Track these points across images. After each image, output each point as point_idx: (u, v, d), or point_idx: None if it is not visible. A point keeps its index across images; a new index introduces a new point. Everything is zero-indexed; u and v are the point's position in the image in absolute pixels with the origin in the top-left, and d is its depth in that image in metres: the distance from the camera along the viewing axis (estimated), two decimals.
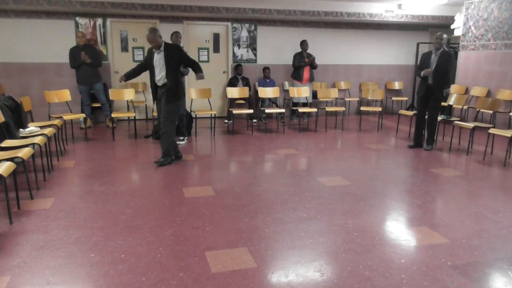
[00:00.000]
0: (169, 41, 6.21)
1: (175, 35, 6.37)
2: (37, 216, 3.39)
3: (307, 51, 8.12)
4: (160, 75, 4.83)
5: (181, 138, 6.44)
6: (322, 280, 2.47)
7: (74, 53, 7.07)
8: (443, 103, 8.18)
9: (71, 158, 5.32)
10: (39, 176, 4.34)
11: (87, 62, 6.98)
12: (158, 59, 4.81)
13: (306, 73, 8.12)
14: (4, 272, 2.52)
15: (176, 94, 4.88)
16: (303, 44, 8.04)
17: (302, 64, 8.02)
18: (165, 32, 7.21)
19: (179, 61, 4.90)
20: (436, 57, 5.67)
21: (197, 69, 4.97)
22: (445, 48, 5.74)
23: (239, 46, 8.69)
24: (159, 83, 4.87)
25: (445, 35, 5.69)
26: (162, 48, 4.78)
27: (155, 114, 6.94)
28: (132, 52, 8.10)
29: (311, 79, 8.21)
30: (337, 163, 5.23)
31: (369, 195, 4.02)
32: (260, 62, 8.83)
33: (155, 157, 5.47)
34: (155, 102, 5.05)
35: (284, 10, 8.04)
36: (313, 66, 8.15)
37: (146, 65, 5.00)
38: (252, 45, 8.76)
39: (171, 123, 4.92)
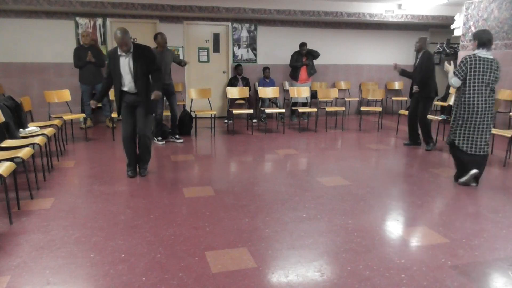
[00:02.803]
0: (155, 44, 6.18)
1: (162, 37, 6.02)
2: (37, 216, 3.39)
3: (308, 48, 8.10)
4: (131, 82, 4.26)
5: (177, 137, 6.44)
6: (322, 280, 2.47)
7: (79, 52, 7.08)
8: (443, 103, 8.19)
9: (71, 158, 5.31)
10: (39, 176, 4.33)
11: (92, 62, 7.01)
12: (127, 63, 4.21)
13: (303, 73, 8.12)
14: (4, 272, 2.52)
15: (153, 102, 4.42)
16: (302, 47, 8.02)
17: (299, 65, 8.02)
18: (165, 32, 7.21)
19: (147, 64, 4.28)
20: (418, 59, 5.91)
21: (156, 83, 4.35)
22: (427, 49, 5.93)
23: (239, 46, 8.69)
24: (132, 90, 4.29)
25: (427, 38, 5.94)
26: (131, 51, 4.20)
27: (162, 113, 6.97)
28: None
29: (309, 75, 8.18)
30: (337, 163, 5.23)
31: (369, 195, 4.02)
32: (260, 62, 8.83)
33: (154, 157, 5.47)
34: (109, 112, 4.39)
35: (284, 10, 8.04)
36: (313, 56, 8.11)
37: (112, 73, 4.33)
38: (252, 45, 8.76)
39: (149, 130, 4.51)
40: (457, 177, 4.39)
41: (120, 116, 4.45)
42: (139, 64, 4.21)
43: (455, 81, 4.14)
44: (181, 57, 8.07)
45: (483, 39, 4.07)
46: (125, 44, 4.10)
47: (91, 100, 4.55)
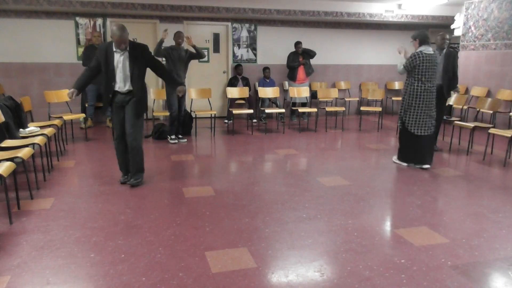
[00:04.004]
0: (172, 42, 6.22)
1: (177, 35, 6.17)
2: (37, 216, 3.39)
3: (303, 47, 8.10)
4: (124, 81, 4.02)
5: (180, 136, 6.45)
6: (322, 280, 2.47)
7: (88, 52, 7.07)
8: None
9: (71, 158, 5.31)
10: (39, 176, 4.33)
11: None
12: (122, 61, 3.97)
13: (301, 72, 8.11)
14: (4, 272, 2.52)
15: (145, 103, 4.19)
16: (297, 46, 8.03)
17: (295, 65, 8.02)
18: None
19: (146, 64, 4.10)
20: (442, 57, 5.51)
21: (170, 78, 4.25)
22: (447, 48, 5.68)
23: (239, 46, 8.69)
24: (122, 89, 4.04)
25: (447, 35, 5.66)
26: (127, 49, 3.98)
27: (156, 114, 6.96)
28: None
29: (307, 75, 8.17)
30: (337, 163, 5.23)
31: (369, 195, 4.02)
32: (260, 62, 8.83)
33: (154, 157, 5.48)
34: (110, 112, 4.12)
35: (284, 10, 8.04)
36: (309, 55, 8.10)
37: (99, 67, 4.06)
38: (252, 45, 8.76)
39: (141, 135, 4.23)
40: (403, 158, 5.14)
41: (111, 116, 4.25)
42: (136, 65, 3.99)
43: (402, 70, 4.95)
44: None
45: (422, 38, 4.82)
46: (123, 42, 3.87)
47: (70, 90, 4.06)
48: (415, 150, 4.96)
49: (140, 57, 4.03)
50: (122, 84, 4.03)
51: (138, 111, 4.09)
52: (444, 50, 5.56)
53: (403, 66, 4.87)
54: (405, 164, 5.11)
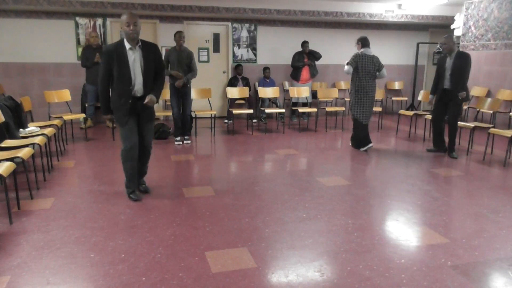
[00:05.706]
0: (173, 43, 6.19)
1: (178, 35, 6.02)
2: (37, 216, 3.39)
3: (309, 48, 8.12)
4: (141, 83, 3.56)
5: (186, 137, 6.44)
6: (322, 280, 2.47)
7: (87, 53, 7.07)
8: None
9: (71, 158, 5.31)
10: (39, 176, 4.33)
11: (99, 63, 7.01)
12: (138, 60, 3.53)
13: (305, 73, 8.11)
14: (4, 272, 2.52)
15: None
16: (304, 45, 8.04)
17: (300, 65, 8.02)
18: (165, 32, 7.21)
19: (156, 63, 3.67)
20: (452, 60, 5.34)
21: (158, 85, 3.69)
22: (460, 49, 5.47)
23: (239, 46, 8.69)
24: (139, 94, 3.58)
25: (454, 36, 5.55)
26: (139, 44, 3.56)
27: (156, 114, 6.95)
28: None
29: (312, 76, 8.19)
30: (337, 163, 5.23)
31: (369, 195, 4.02)
32: (260, 62, 8.83)
33: (155, 157, 5.47)
34: (126, 122, 3.58)
35: (284, 10, 8.04)
36: (315, 57, 8.12)
37: (111, 71, 3.50)
38: (252, 45, 8.76)
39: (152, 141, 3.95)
40: (355, 145, 6.01)
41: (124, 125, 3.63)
42: (148, 64, 3.57)
43: (348, 69, 5.66)
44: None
45: (364, 42, 5.71)
46: (136, 31, 3.45)
47: (108, 115, 3.69)
48: (363, 135, 5.85)
49: (152, 55, 3.62)
50: (139, 87, 3.57)
51: (153, 116, 3.85)
52: (455, 52, 5.35)
53: (348, 64, 5.63)
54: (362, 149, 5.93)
